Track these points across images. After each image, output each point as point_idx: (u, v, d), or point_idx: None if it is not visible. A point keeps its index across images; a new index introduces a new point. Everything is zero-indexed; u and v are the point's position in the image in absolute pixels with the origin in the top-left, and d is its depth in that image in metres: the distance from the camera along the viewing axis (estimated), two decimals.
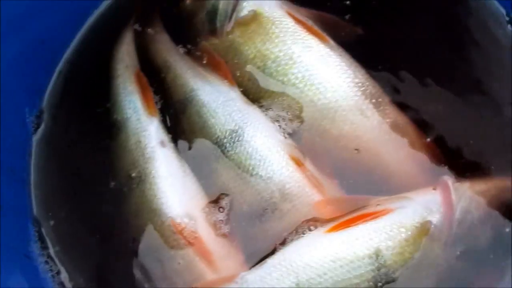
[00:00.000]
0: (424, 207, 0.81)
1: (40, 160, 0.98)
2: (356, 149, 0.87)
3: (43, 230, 0.94)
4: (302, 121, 0.89)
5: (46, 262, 0.91)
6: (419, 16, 0.98)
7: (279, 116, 0.90)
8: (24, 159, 0.96)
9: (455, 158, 0.87)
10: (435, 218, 0.80)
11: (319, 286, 0.79)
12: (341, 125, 0.88)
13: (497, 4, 0.97)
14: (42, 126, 0.99)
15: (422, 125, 0.89)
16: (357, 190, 0.86)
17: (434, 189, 0.83)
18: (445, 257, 0.80)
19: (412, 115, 0.89)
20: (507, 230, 0.82)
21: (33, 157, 0.97)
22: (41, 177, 0.97)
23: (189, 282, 0.85)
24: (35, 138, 0.98)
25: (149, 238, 0.88)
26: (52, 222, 0.94)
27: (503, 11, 0.97)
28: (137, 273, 0.88)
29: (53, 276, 0.90)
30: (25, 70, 0.95)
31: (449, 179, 0.82)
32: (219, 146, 0.90)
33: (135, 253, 0.88)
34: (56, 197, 0.96)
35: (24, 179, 0.96)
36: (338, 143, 0.88)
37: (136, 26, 1.03)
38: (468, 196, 0.82)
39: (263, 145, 0.88)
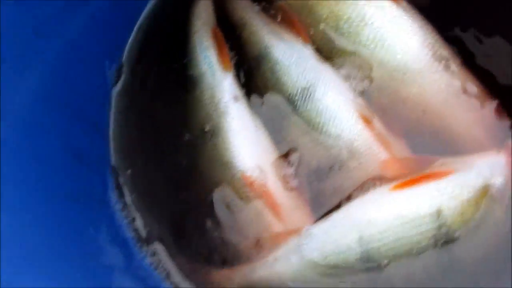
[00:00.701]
0: (487, 169, 0.81)
1: (119, 112, 1.00)
2: (423, 111, 0.87)
3: (120, 179, 0.97)
4: (372, 81, 0.89)
5: (122, 210, 0.95)
6: None
7: (350, 75, 0.90)
8: (104, 110, 0.99)
9: None
10: (498, 181, 0.80)
11: (381, 242, 0.80)
12: (409, 87, 0.88)
13: None
14: (122, 79, 1.01)
15: (491, 88, 0.87)
16: (423, 150, 0.87)
17: (499, 152, 0.82)
18: (506, 220, 0.81)
19: (482, 78, 0.88)
20: None
21: (112, 108, 0.99)
22: (120, 128, 0.99)
23: (257, 233, 0.88)
24: (115, 90, 1.00)
25: (220, 190, 0.90)
26: (129, 171, 0.97)
27: None
28: (208, 222, 0.90)
29: (128, 223, 0.94)
30: (106, 25, 0.96)
31: None
32: (290, 103, 0.91)
33: (206, 203, 0.91)
34: (133, 147, 0.99)
35: (104, 130, 0.98)
36: (406, 104, 0.88)
37: None
38: None
39: (334, 103, 0.88)
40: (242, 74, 0.97)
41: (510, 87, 0.89)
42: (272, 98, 0.94)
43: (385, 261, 0.81)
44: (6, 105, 0.78)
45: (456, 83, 0.88)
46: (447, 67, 0.88)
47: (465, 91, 0.88)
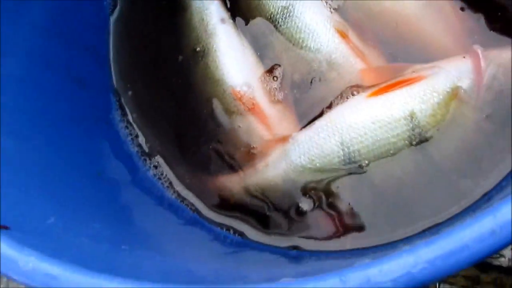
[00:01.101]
0: (455, 73, 0.82)
1: (118, 38, 1.00)
2: (395, 23, 0.88)
3: (122, 99, 0.97)
4: None
5: (126, 127, 0.95)
6: None
7: None
8: (104, 37, 0.99)
9: (488, 28, 0.86)
10: (465, 83, 0.81)
11: (360, 145, 0.82)
12: (382, 2, 0.89)
13: None
14: (118, 8, 1.01)
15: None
16: (396, 59, 0.88)
17: (465, 57, 0.83)
18: (473, 119, 0.82)
19: None
20: None
21: (111, 35, 0.99)
22: (119, 53, 0.99)
23: (248, 143, 0.89)
24: (112, 18, 1.00)
25: (213, 105, 0.92)
26: (130, 93, 0.97)
27: None
28: (203, 135, 0.92)
29: (132, 139, 0.95)
30: None
31: (478, 48, 0.82)
32: (272, 22, 0.92)
33: (201, 118, 0.92)
34: (133, 71, 0.99)
35: (105, 56, 0.98)
36: (379, 18, 0.89)
37: None
38: (496, 63, 0.82)
39: (312, 19, 0.89)
40: None
41: None
42: (255, 18, 0.94)
43: (366, 162, 0.83)
44: (8, 39, 0.78)
45: None
46: None
47: (433, 3, 0.88)
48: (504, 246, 0.40)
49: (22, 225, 0.57)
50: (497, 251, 0.41)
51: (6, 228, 0.54)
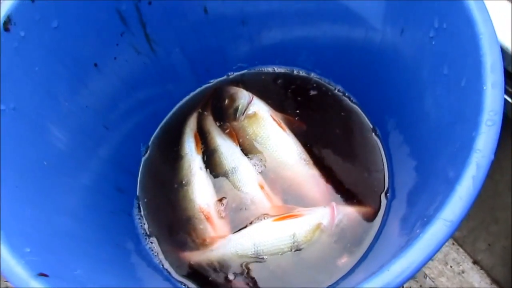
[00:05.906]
0: (320, 215, 0.87)
1: (144, 168, 1.02)
2: (290, 184, 0.94)
3: (140, 202, 0.98)
4: (266, 167, 0.96)
5: (139, 219, 0.95)
6: (327, 123, 1.01)
7: (256, 163, 0.97)
8: (137, 167, 1.01)
9: (339, 193, 0.92)
10: (325, 221, 0.86)
11: (264, 246, 0.85)
12: (286, 172, 0.94)
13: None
14: (148, 152, 1.03)
15: (326, 176, 0.94)
16: (289, 202, 0.92)
17: (326, 207, 0.89)
18: (327, 241, 0.86)
19: (322, 170, 0.94)
20: (360, 230, 0.88)
21: (141, 167, 1.02)
22: (144, 177, 1.00)
23: (204, 236, 0.91)
24: (143, 159, 1.03)
25: (189, 213, 0.93)
26: (145, 200, 0.98)
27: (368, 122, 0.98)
28: (181, 229, 0.93)
29: (141, 225, 0.94)
30: (143, 128, 1.03)
31: (334, 203, 0.89)
32: (225, 174, 0.97)
33: (182, 220, 0.93)
34: (149, 189, 1.00)
35: (136, 177, 1.00)
36: (283, 180, 0.94)
37: (200, 110, 1.07)
38: (342, 213, 0.88)
39: (246, 176, 0.94)
40: (205, 157, 1.00)
41: (332, 173, 0.95)
42: (217, 170, 0.97)
43: (266, 256, 0.86)
44: (86, 171, 0.84)
45: (309, 172, 0.93)
46: (305, 164, 0.94)
47: (312, 176, 0.93)
48: None
49: (57, 274, 0.55)
50: None
51: (46, 275, 0.52)
